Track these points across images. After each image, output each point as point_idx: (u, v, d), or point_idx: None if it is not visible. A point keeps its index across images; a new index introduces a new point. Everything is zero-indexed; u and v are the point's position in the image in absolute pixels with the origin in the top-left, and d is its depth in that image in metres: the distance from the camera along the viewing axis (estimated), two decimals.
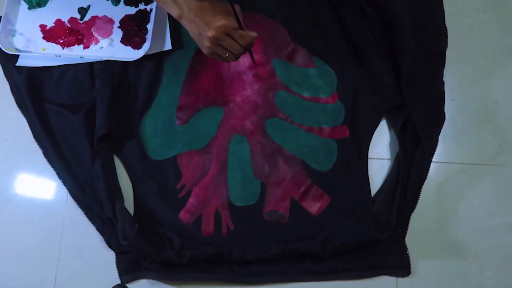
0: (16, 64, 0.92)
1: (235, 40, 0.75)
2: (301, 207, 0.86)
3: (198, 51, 0.92)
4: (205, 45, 0.75)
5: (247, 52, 0.81)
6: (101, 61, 0.90)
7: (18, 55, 0.92)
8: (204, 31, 0.73)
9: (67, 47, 0.94)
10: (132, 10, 0.95)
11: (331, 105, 0.90)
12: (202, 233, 0.85)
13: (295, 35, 0.93)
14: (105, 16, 0.95)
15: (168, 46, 0.92)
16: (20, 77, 0.91)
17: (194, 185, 0.87)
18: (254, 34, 0.77)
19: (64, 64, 0.92)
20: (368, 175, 0.87)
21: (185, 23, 0.75)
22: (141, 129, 0.90)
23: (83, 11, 0.95)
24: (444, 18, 0.91)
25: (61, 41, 0.94)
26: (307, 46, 0.92)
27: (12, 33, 0.94)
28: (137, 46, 0.93)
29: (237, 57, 0.78)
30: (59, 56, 0.91)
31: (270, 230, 0.85)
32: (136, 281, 0.84)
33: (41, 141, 0.89)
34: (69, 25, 0.95)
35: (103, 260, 0.85)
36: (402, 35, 0.86)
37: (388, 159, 0.89)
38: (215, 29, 0.72)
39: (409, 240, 0.84)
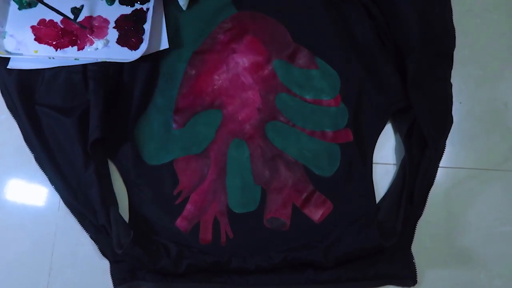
0: (7, 67, 0.90)
1: None
2: (303, 214, 0.84)
3: (196, 52, 0.91)
4: None
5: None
6: (95, 62, 0.88)
7: (9, 58, 0.90)
8: None
9: (60, 49, 0.91)
10: (127, 10, 0.93)
11: (334, 108, 0.88)
12: (200, 241, 0.83)
13: (297, 35, 0.91)
14: (99, 16, 0.93)
15: (165, 45, 0.89)
16: (10, 79, 0.89)
17: (192, 191, 0.85)
18: None
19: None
20: (372, 180, 0.86)
21: None
22: (136, 132, 0.88)
23: (76, 11, 0.93)
24: (452, 17, 0.91)
25: (54, 43, 0.91)
26: (309, 47, 0.91)
27: (2, 35, 0.92)
28: (133, 46, 0.91)
29: None
30: (53, 58, 0.89)
31: (271, 238, 0.84)
32: None
33: (33, 145, 0.87)
34: (62, 26, 0.92)
35: (96, 269, 0.84)
36: (408, 35, 0.85)
37: (394, 164, 0.87)
38: None
39: (415, 248, 0.83)
